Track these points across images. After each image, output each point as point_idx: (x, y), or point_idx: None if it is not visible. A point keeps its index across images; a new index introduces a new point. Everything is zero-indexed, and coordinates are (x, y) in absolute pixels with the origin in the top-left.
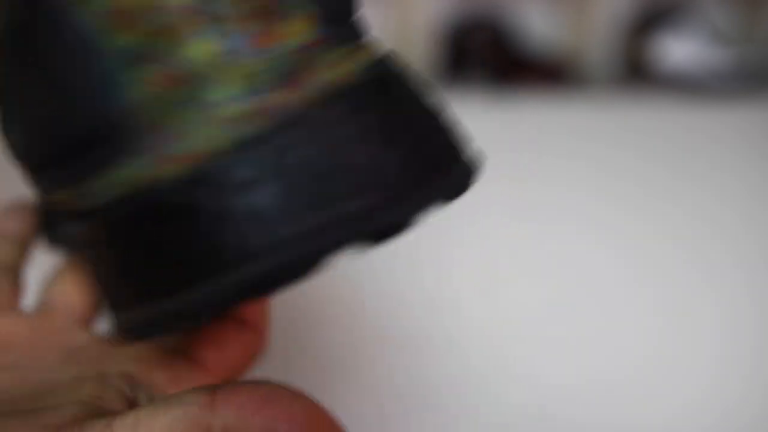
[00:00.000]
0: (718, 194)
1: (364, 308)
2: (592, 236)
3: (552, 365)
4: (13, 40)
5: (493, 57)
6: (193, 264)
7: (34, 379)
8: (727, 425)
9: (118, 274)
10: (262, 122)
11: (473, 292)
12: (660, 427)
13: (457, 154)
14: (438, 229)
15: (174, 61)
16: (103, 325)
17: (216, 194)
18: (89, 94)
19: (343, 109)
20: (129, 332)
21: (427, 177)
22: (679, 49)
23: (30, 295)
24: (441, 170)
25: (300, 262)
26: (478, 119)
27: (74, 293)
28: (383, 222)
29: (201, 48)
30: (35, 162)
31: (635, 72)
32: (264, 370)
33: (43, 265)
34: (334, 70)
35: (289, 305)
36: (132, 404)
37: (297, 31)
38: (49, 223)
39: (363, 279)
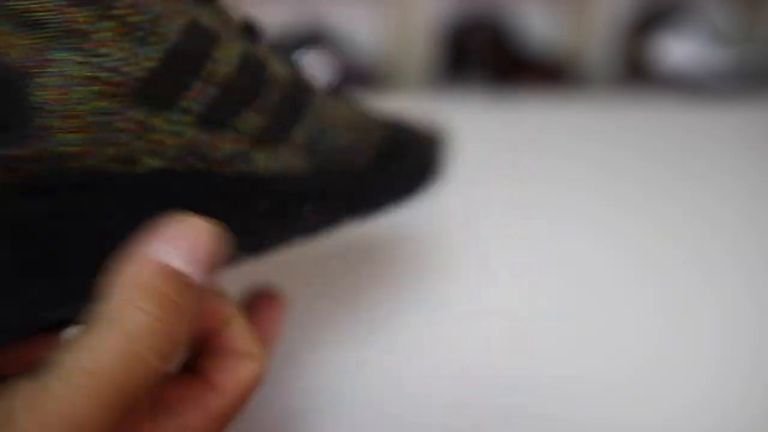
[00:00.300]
0: (718, 194)
1: (363, 307)
2: (591, 236)
3: (551, 365)
4: None
5: (493, 57)
6: None
7: None
8: (727, 425)
9: None
10: None
11: (472, 291)
12: (660, 426)
13: None
14: (438, 228)
15: None
16: None
17: None
18: None
19: None
20: None
21: None
22: (679, 49)
23: None
24: None
25: None
26: (478, 119)
27: None
28: None
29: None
30: None
31: (635, 72)
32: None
33: None
34: None
35: (289, 304)
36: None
37: None
38: None
39: (362, 279)
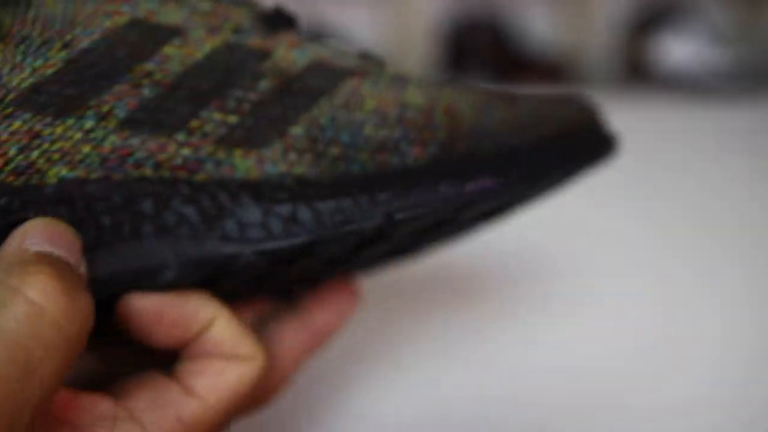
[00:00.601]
0: (718, 194)
1: (378, 308)
2: (591, 235)
3: (548, 357)
4: None
5: (493, 57)
6: None
7: None
8: (725, 424)
9: None
10: None
11: (472, 287)
12: (660, 418)
13: None
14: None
15: None
16: None
17: None
18: None
19: None
20: None
21: None
22: (679, 49)
23: None
24: None
25: None
26: None
27: None
28: None
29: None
30: None
31: (635, 72)
32: None
33: None
34: None
35: None
36: None
37: None
38: None
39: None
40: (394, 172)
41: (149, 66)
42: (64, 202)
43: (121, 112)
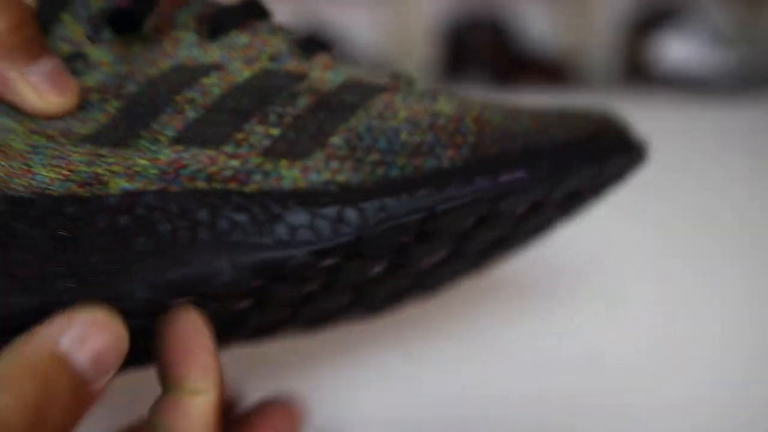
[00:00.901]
0: (718, 194)
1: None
2: (591, 235)
3: (548, 357)
4: None
5: (493, 57)
6: None
7: None
8: (726, 424)
9: None
10: None
11: (473, 286)
12: (661, 417)
13: None
14: None
15: None
16: None
17: None
18: None
19: None
20: None
21: None
22: (679, 49)
23: None
24: None
25: None
26: None
27: None
28: None
29: None
30: None
31: (635, 72)
32: (260, 366)
33: None
34: None
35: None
36: None
37: None
38: None
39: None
40: (431, 173)
41: (190, 94)
42: (125, 211)
43: (170, 133)
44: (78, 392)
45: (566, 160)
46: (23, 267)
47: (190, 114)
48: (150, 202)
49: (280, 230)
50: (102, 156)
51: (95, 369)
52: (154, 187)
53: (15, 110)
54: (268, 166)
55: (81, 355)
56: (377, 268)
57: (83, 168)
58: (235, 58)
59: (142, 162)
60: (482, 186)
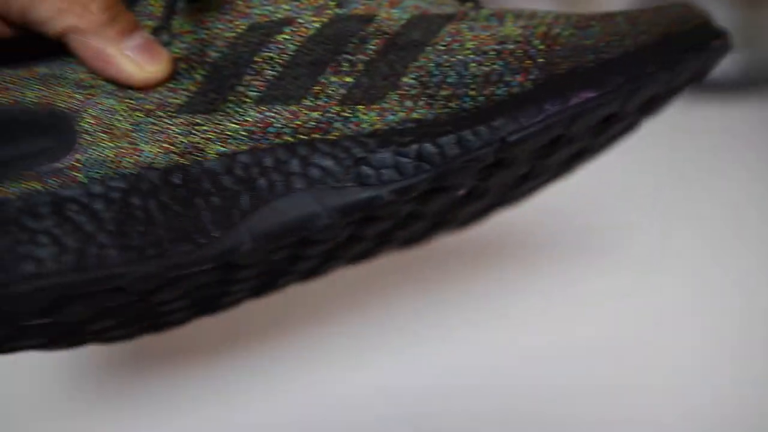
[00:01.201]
0: (718, 193)
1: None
2: (590, 235)
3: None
4: None
5: None
6: None
7: None
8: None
9: None
10: None
11: (471, 286)
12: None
13: None
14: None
15: None
16: None
17: None
18: None
19: None
20: None
21: None
22: None
23: None
24: None
25: None
26: None
27: None
28: None
29: None
30: None
31: None
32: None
33: None
34: None
35: (290, 306)
36: None
37: None
38: None
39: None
40: (502, 101)
41: (267, 53)
42: (225, 173)
43: (253, 94)
44: None
45: (637, 72)
46: (142, 237)
47: (269, 72)
48: (245, 160)
49: (367, 172)
50: (197, 124)
51: None
52: (245, 147)
53: (116, 87)
54: (346, 113)
55: None
56: (459, 193)
57: (182, 139)
58: (305, 9)
59: (233, 126)
60: (552, 111)
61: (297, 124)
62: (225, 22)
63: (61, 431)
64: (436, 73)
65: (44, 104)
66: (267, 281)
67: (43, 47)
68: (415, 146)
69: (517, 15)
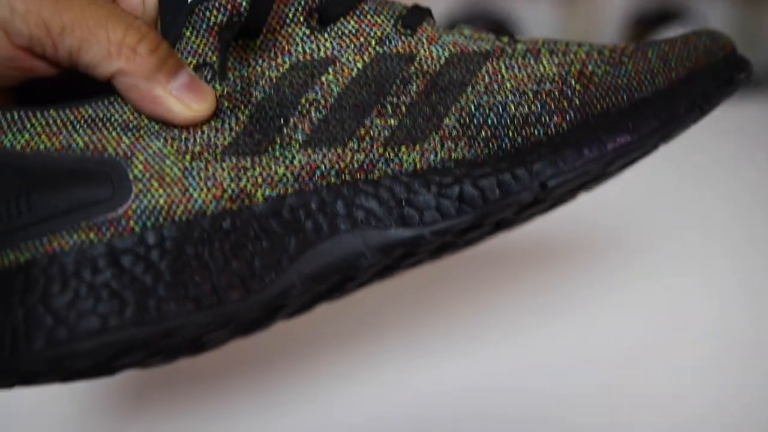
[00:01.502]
0: (719, 193)
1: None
2: (590, 236)
3: (544, 355)
4: None
5: None
6: None
7: None
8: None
9: None
10: None
11: (470, 288)
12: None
13: None
14: None
15: None
16: None
17: None
18: None
19: None
20: None
21: None
22: None
23: None
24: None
25: None
26: None
27: None
28: None
29: None
30: None
31: None
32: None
33: None
34: None
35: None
36: None
37: None
38: None
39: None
40: (540, 143)
41: (311, 95)
42: (273, 216)
43: (300, 137)
44: None
45: (669, 114)
46: (198, 288)
47: (315, 115)
48: (292, 203)
49: (410, 212)
50: (245, 168)
51: None
52: (292, 190)
53: (162, 126)
54: (389, 154)
55: None
56: (489, 227)
57: (231, 184)
58: (347, 48)
59: (280, 170)
60: (591, 157)
61: (342, 166)
62: (267, 59)
63: None
64: (477, 114)
65: (94, 150)
66: (303, 309)
67: (87, 83)
68: (456, 188)
69: (551, 50)
